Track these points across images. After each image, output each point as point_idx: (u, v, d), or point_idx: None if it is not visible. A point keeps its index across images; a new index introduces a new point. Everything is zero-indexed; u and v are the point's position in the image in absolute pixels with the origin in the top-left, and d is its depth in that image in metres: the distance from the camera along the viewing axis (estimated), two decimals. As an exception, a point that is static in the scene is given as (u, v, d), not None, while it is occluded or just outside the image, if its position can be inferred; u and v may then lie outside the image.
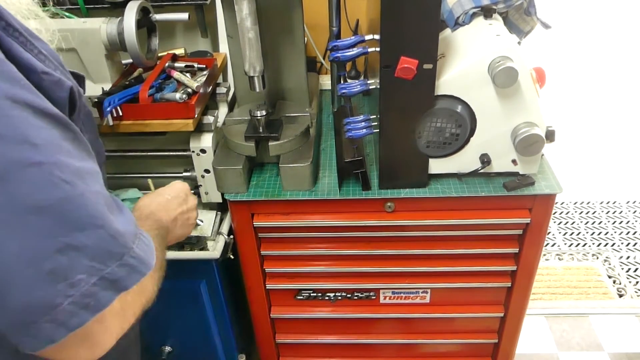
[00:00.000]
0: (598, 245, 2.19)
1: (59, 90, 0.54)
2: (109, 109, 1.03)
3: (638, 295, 1.96)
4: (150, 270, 0.56)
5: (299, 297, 1.31)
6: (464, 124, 1.04)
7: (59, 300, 0.49)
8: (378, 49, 0.97)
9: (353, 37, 1.02)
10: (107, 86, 1.12)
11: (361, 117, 1.08)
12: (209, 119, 1.14)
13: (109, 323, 0.55)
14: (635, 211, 2.37)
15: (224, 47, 1.35)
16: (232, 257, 1.26)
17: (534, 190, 1.09)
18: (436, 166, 1.10)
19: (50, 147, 0.49)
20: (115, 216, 0.54)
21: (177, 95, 1.08)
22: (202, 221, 1.17)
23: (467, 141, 1.07)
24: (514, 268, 1.21)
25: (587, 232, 2.26)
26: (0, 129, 0.45)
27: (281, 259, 1.25)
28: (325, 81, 1.52)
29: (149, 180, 1.13)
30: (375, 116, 1.06)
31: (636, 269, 2.08)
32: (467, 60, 1.00)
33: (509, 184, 1.10)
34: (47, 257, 0.48)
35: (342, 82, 1.06)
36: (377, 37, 0.97)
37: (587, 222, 2.32)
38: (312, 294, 1.30)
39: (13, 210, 0.47)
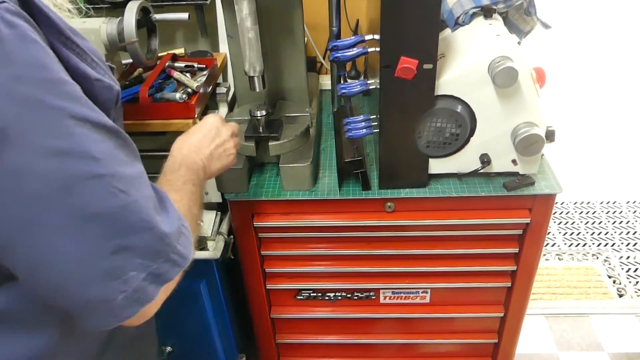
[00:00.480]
0: (598, 245, 2.19)
1: (108, 94, 0.60)
2: (109, 109, 1.03)
3: (638, 295, 1.96)
4: (189, 263, 0.63)
5: (299, 297, 1.31)
6: (464, 124, 1.04)
7: (113, 296, 0.55)
8: (378, 49, 0.97)
9: (353, 37, 1.02)
10: (107, 86, 1.12)
11: (361, 117, 1.08)
12: (209, 119, 1.14)
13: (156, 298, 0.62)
14: (635, 211, 2.37)
15: (224, 47, 1.35)
16: (232, 257, 1.26)
17: (534, 190, 1.09)
18: (436, 166, 1.10)
19: (108, 159, 0.54)
20: (161, 216, 0.59)
21: (177, 95, 1.08)
22: (202, 221, 1.17)
23: (467, 141, 1.07)
24: (514, 268, 1.21)
25: (587, 232, 2.26)
26: (66, 146, 0.51)
27: (281, 259, 1.25)
28: (325, 81, 1.52)
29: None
30: (375, 116, 1.06)
31: (636, 269, 2.08)
32: (467, 60, 1.00)
33: (509, 184, 1.10)
34: (104, 258, 0.54)
35: (342, 82, 1.06)
36: (377, 37, 0.97)
37: (587, 222, 2.32)
38: (312, 294, 1.30)
39: (76, 217, 0.52)
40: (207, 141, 0.88)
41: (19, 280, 0.56)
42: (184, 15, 1.16)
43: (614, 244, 2.20)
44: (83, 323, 0.58)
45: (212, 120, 0.91)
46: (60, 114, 0.50)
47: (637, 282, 2.02)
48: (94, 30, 1.07)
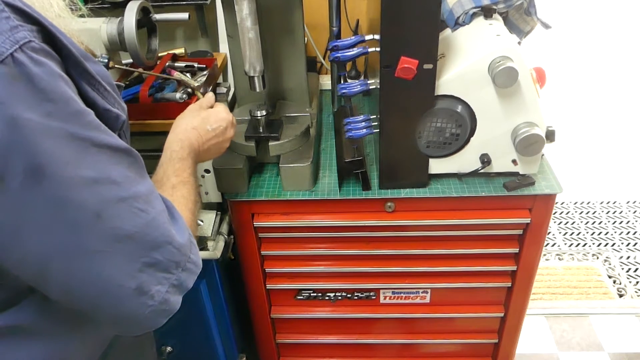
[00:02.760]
0: (598, 245, 2.19)
1: (115, 122, 0.62)
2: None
3: (638, 295, 1.96)
4: (200, 269, 0.66)
5: (299, 297, 1.31)
6: (464, 124, 1.04)
7: (142, 311, 0.58)
8: (378, 49, 0.97)
9: (353, 37, 1.02)
10: (107, 86, 1.12)
11: (361, 117, 1.08)
12: (209, 119, 1.13)
13: None
14: (635, 211, 2.37)
15: (224, 47, 1.35)
16: (232, 257, 1.26)
17: (534, 190, 1.09)
18: (436, 166, 1.10)
19: (127, 181, 0.56)
20: (174, 228, 0.62)
21: (177, 95, 1.08)
22: (202, 221, 1.17)
23: (467, 141, 1.07)
24: (514, 268, 1.21)
25: (587, 232, 2.26)
26: (94, 174, 0.53)
27: (281, 259, 1.25)
28: (325, 81, 1.52)
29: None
30: (375, 116, 1.06)
31: (636, 269, 2.08)
32: (467, 60, 1.00)
33: (509, 184, 1.10)
34: (132, 276, 0.57)
35: (342, 82, 1.06)
36: (377, 37, 0.97)
37: (587, 222, 2.32)
38: (312, 294, 1.30)
39: (108, 241, 0.55)
40: (211, 135, 0.89)
41: (35, 297, 0.59)
42: (184, 15, 1.16)
43: (614, 244, 2.20)
44: (110, 330, 0.64)
45: (224, 117, 0.92)
46: (87, 144, 0.53)
47: (637, 282, 2.02)
48: (94, 30, 1.07)
